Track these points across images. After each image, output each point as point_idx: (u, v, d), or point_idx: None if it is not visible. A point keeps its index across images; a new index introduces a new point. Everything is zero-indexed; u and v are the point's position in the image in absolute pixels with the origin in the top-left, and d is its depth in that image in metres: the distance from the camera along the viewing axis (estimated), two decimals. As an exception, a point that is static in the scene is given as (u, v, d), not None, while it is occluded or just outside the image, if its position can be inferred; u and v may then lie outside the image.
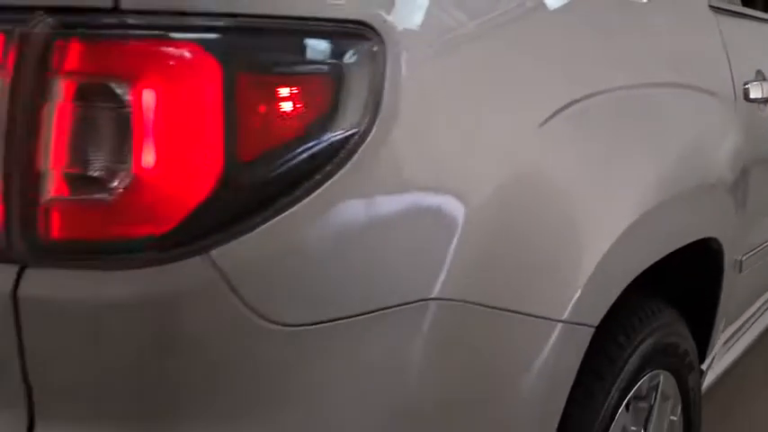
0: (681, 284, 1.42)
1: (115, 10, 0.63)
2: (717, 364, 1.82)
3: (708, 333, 1.56)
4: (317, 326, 0.73)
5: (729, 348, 1.89)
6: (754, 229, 1.73)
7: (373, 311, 0.77)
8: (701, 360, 1.56)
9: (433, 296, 0.81)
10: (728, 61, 1.55)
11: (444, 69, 0.84)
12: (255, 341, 0.70)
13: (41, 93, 0.63)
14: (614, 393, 1.13)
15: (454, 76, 0.85)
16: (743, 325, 1.97)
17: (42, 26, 0.63)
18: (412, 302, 0.80)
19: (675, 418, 1.43)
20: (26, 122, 0.63)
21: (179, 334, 0.67)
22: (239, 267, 0.67)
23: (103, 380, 0.68)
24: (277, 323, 0.70)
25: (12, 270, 0.66)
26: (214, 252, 0.66)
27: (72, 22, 0.63)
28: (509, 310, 0.89)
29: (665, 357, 1.29)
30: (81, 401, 0.69)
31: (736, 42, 1.61)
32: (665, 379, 1.34)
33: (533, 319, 0.91)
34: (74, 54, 0.63)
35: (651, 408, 1.33)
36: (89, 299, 0.66)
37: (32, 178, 0.64)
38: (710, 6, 1.54)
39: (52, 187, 0.64)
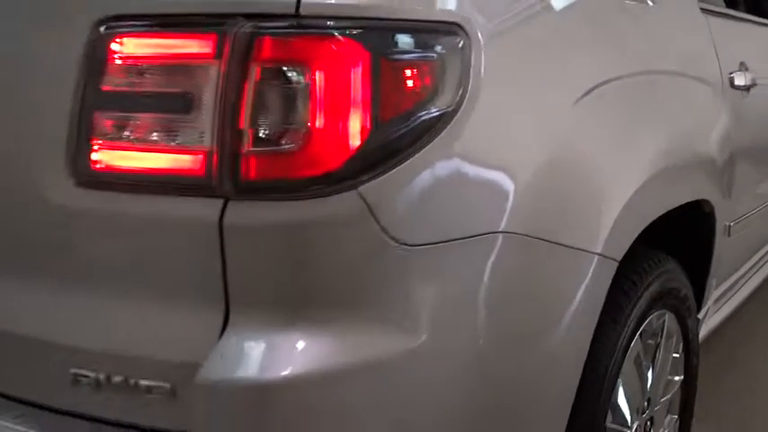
0: (681, 244, 1.69)
1: (296, 15, 0.90)
2: (710, 319, 2.10)
3: (702, 286, 1.84)
4: (426, 246, 1.00)
5: (720, 307, 2.17)
6: (741, 199, 2.01)
7: (463, 238, 1.03)
8: (698, 309, 1.84)
9: (500, 230, 1.08)
10: (716, 54, 1.83)
11: (506, 61, 1.10)
12: (384, 255, 0.96)
13: (245, 75, 0.89)
14: (631, 323, 1.39)
15: (512, 67, 1.12)
16: (731, 287, 2.25)
17: (245, 28, 0.89)
18: (487, 233, 1.07)
19: (678, 356, 1.70)
20: (235, 96, 0.89)
21: (333, 246, 0.94)
22: (378, 200, 0.94)
23: (279, 279, 0.94)
24: (400, 242, 0.97)
25: (218, 203, 0.92)
26: (362, 188, 0.93)
27: (265, 25, 0.90)
28: (557, 243, 1.16)
29: (668, 299, 1.55)
30: (261, 297, 0.94)
31: (721, 38, 1.90)
32: (669, 319, 1.61)
33: (575, 250, 1.18)
34: (267, 47, 0.90)
35: (658, 345, 1.60)
36: (274, 222, 0.92)
37: (237, 136, 0.90)
38: (701, 9, 1.83)
39: (250, 142, 0.90)
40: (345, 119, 0.91)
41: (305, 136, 0.90)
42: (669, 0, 1.67)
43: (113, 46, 0.94)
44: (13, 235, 1.04)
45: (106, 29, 0.95)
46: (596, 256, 1.22)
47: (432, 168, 0.99)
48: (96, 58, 0.95)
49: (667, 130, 1.53)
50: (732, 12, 2.14)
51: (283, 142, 0.91)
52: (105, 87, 0.95)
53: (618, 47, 1.42)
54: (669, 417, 1.71)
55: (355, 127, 0.92)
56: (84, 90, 0.96)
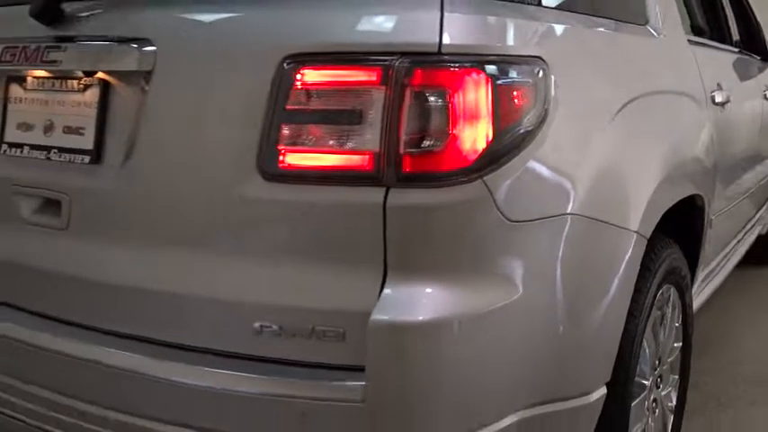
0: (680, 234, 2.06)
1: (438, 53, 1.23)
2: (697, 298, 2.49)
3: (694, 268, 2.23)
4: (522, 222, 1.34)
5: (704, 288, 2.57)
6: (720, 197, 2.42)
7: (544, 218, 1.38)
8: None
9: (568, 212, 1.43)
10: (701, 77, 2.24)
11: (565, 85, 1.45)
12: (497, 228, 1.30)
13: (403, 97, 1.23)
14: (650, 292, 1.75)
15: (570, 90, 1.47)
16: (710, 272, 2.65)
17: (403, 63, 1.23)
18: (560, 215, 1.41)
19: (678, 325, 2.07)
20: (395, 112, 1.22)
21: (464, 220, 1.27)
22: (496, 187, 1.28)
23: (425, 246, 1.26)
24: (508, 219, 1.31)
25: (381, 191, 1.24)
26: (486, 178, 1.27)
27: (417, 60, 1.23)
28: (608, 222, 1.52)
29: (673, 276, 1.92)
30: (411, 260, 1.27)
31: (703, 64, 2.30)
32: (673, 293, 1.98)
33: (621, 228, 1.55)
34: (418, 76, 1.23)
35: (664, 315, 1.97)
36: (423, 204, 1.25)
37: (397, 141, 1.23)
38: (689, 41, 2.24)
39: (407, 145, 1.24)
40: (475, 128, 1.25)
41: (446, 141, 1.24)
42: (668, 34, 2.06)
43: (296, 76, 1.27)
44: (214, 221, 1.35)
45: (289, 64, 1.27)
46: (635, 234, 1.58)
47: (526, 166, 1.34)
48: (282, 85, 1.27)
49: (671, 138, 1.91)
50: (708, 42, 2.56)
51: (430, 145, 1.24)
52: (289, 107, 1.28)
53: (635, 72, 1.80)
54: (672, 376, 2.08)
55: (482, 134, 1.26)
56: (273, 109, 1.28)
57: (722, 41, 2.87)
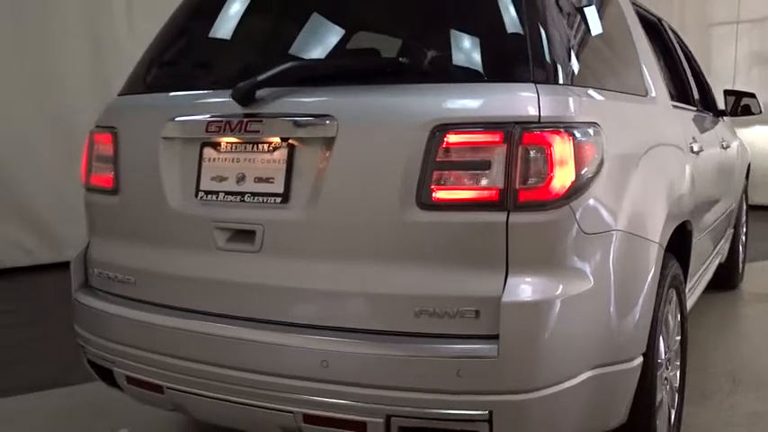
0: (676, 252, 2.72)
1: (539, 122, 1.87)
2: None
3: (685, 278, 2.89)
4: (591, 234, 1.97)
5: (689, 297, 3.24)
6: (697, 225, 3.10)
7: (603, 232, 2.01)
8: (683, 294, 2.88)
9: (615, 228, 2.07)
10: (683, 132, 2.94)
11: (611, 142, 2.09)
12: (577, 238, 1.93)
13: (516, 151, 1.85)
14: (664, 292, 2.39)
15: (614, 145, 2.11)
16: (692, 286, 3.32)
17: (516, 128, 1.86)
18: (610, 230, 2.05)
19: (678, 320, 2.72)
20: (513, 161, 1.85)
21: (557, 232, 1.89)
22: (576, 210, 1.91)
23: (533, 250, 1.88)
24: (584, 232, 1.94)
25: (504, 214, 1.86)
26: (571, 204, 1.90)
27: (525, 126, 1.87)
28: (640, 236, 2.16)
29: (675, 281, 2.58)
30: (525, 261, 1.88)
31: (682, 122, 3.02)
32: (674, 294, 2.63)
33: (649, 241, 2.20)
34: (527, 137, 1.86)
35: (669, 311, 2.61)
36: (532, 222, 1.87)
37: (514, 180, 1.85)
38: (672, 105, 2.95)
39: (520, 183, 1.86)
40: (564, 171, 1.88)
41: (546, 180, 1.87)
42: (660, 101, 2.77)
43: (444, 138, 1.89)
44: (384, 239, 1.94)
45: (438, 130, 1.89)
46: (657, 245, 2.23)
47: (593, 196, 1.97)
48: (433, 144, 1.89)
49: (671, 178, 2.59)
50: (681, 104, 3.30)
51: (536, 183, 1.87)
52: (438, 159, 1.89)
53: (647, 130, 2.49)
54: (675, 362, 2.72)
55: (568, 175, 1.89)
56: (426, 161, 1.89)
57: (687, 102, 3.61)
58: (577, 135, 1.93)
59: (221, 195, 2.15)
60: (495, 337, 1.85)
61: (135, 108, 2.43)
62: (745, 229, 5.37)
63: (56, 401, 3.45)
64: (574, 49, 2.16)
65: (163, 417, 3.20)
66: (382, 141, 1.96)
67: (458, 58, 2.03)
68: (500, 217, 1.87)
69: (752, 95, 4.66)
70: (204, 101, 2.22)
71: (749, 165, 5.47)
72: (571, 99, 1.98)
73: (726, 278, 4.90)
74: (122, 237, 2.40)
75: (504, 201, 1.86)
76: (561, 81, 2.01)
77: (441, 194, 1.90)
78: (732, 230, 4.73)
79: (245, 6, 2.45)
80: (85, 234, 2.59)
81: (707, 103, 4.31)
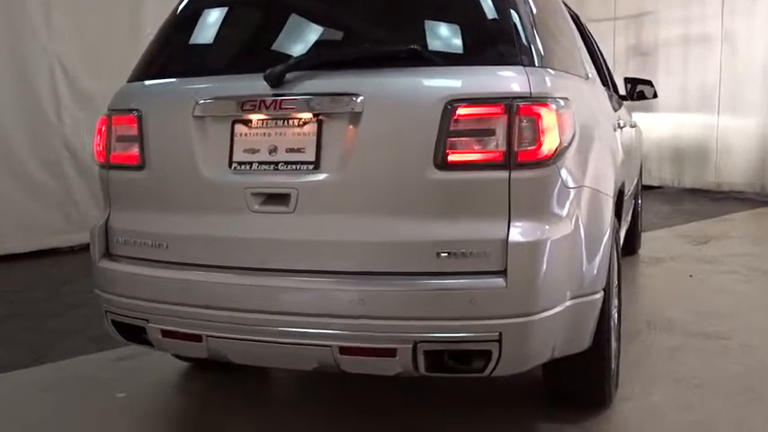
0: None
1: (530, 96, 2.31)
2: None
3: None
4: (571, 188, 2.43)
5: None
6: (624, 187, 3.66)
7: (578, 186, 2.48)
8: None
9: (584, 185, 2.54)
10: (611, 109, 3.48)
11: (578, 113, 2.56)
12: (561, 191, 2.38)
13: (513, 121, 2.28)
14: (613, 234, 2.90)
15: (580, 116, 2.58)
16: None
17: (512, 102, 2.29)
18: (581, 186, 2.52)
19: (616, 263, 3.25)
20: (511, 129, 2.28)
21: (545, 186, 2.34)
22: (561, 169, 2.37)
23: (529, 201, 2.32)
24: (566, 186, 2.40)
25: (506, 172, 2.29)
26: (557, 164, 2.35)
27: (518, 99, 2.30)
28: (601, 191, 2.66)
29: (616, 233, 3.10)
30: (524, 209, 2.30)
31: (609, 101, 3.56)
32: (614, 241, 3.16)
33: (607, 195, 2.70)
34: (521, 109, 2.30)
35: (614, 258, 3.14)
36: (528, 177, 2.30)
37: (513, 144, 2.28)
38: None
39: (518, 146, 2.29)
40: (552, 137, 2.33)
41: (537, 143, 2.31)
42: (596, 81, 3.29)
43: (455, 111, 2.29)
44: (408, 195, 2.32)
45: (449, 103, 2.30)
46: (612, 199, 2.73)
47: (570, 159, 2.43)
48: (446, 116, 2.30)
49: (612, 146, 3.12)
50: (606, 88, 3.86)
51: (530, 146, 2.30)
52: (451, 128, 2.30)
53: (596, 105, 3.00)
54: (614, 301, 3.24)
55: (555, 140, 2.34)
56: (441, 130, 2.29)
57: (604, 86, 4.18)
58: (558, 107, 2.38)
59: (255, 165, 2.47)
60: (503, 272, 2.28)
61: (161, 92, 2.70)
62: (641, 201, 6.09)
63: (45, 376, 3.62)
64: (543, 39, 2.62)
65: (150, 382, 3.46)
66: (403, 115, 2.34)
67: (464, 47, 2.45)
68: (503, 174, 2.29)
69: (648, 82, 5.34)
70: (232, 83, 2.53)
71: (642, 146, 6.20)
72: (548, 78, 2.43)
73: (629, 244, 5.57)
74: (151, 207, 2.67)
75: (506, 161, 2.29)
76: (539, 64, 2.46)
77: (454, 157, 2.31)
78: (634, 201, 5.40)
79: None
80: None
81: (614, 87, 4.93)
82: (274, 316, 2.40)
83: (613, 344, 3.08)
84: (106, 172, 2.81)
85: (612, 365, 3.03)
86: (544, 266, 2.32)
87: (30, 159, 6.37)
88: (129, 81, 2.85)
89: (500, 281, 2.27)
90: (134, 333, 2.71)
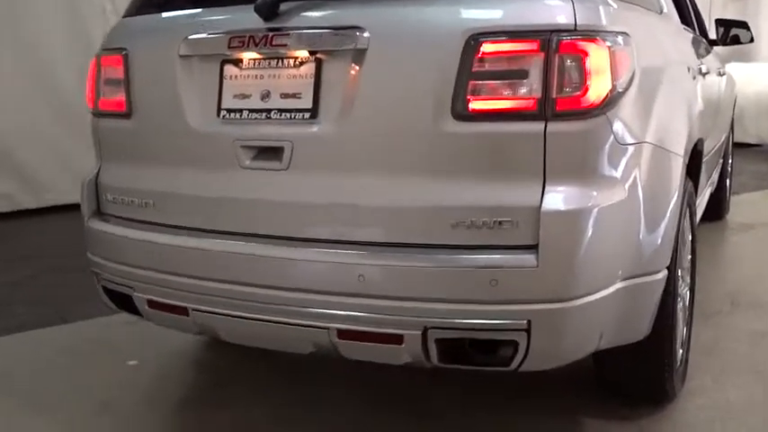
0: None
1: (575, 30, 1.84)
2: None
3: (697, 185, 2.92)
4: (626, 145, 1.96)
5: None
6: (704, 145, 3.13)
7: (635, 143, 2.00)
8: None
9: (645, 141, 2.06)
10: (691, 51, 2.94)
11: (640, 52, 2.07)
12: (611, 150, 1.92)
13: (553, 59, 1.82)
14: (684, 203, 2.40)
15: (643, 55, 2.09)
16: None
17: (553, 36, 1.83)
18: (640, 142, 2.04)
19: (690, 239, 2.75)
20: (550, 69, 1.82)
21: (594, 141, 1.88)
22: (613, 119, 1.90)
23: (572, 160, 1.86)
24: (619, 142, 1.93)
25: (542, 123, 1.84)
26: (608, 113, 1.88)
27: (562, 34, 1.84)
28: (668, 150, 2.17)
29: (690, 198, 2.59)
30: (563, 170, 1.86)
31: (690, 42, 3.01)
32: (687, 212, 2.66)
33: (675, 154, 2.21)
34: (563, 45, 1.83)
35: (685, 230, 2.64)
36: (570, 131, 1.85)
37: (551, 89, 1.83)
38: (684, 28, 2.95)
39: (557, 92, 1.84)
40: (602, 81, 1.87)
41: (583, 88, 1.85)
42: (672, 18, 2.75)
43: (480, 47, 1.85)
44: (419, 151, 1.91)
45: (472, 38, 1.86)
46: (681, 158, 2.24)
47: (626, 108, 1.96)
48: (468, 54, 1.86)
49: (687, 95, 2.61)
50: (687, 27, 3.29)
51: (573, 92, 1.85)
52: (474, 69, 1.86)
53: (669, 44, 2.48)
54: (686, 280, 2.75)
55: (606, 85, 1.87)
56: (461, 71, 1.86)
57: (687, 26, 3.60)
58: (612, 44, 1.91)
59: (245, 113, 2.10)
60: (533, 247, 1.85)
61: (147, 28, 2.35)
62: (730, 161, 5.45)
63: (58, 338, 3.42)
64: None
65: (165, 351, 3.20)
66: (416, 53, 1.91)
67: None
68: (538, 126, 1.85)
69: (743, 25, 4.67)
70: (222, 17, 2.15)
71: (735, 98, 5.52)
72: (602, 8, 1.95)
73: (715, 209, 4.97)
74: (138, 160, 2.34)
75: (542, 110, 1.84)
76: (591, -9, 1.98)
77: (477, 105, 1.87)
78: (722, 161, 4.79)
79: None
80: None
81: (701, 30, 4.31)
82: (263, 290, 2.04)
83: (682, 329, 2.61)
84: (97, 120, 2.50)
85: (679, 354, 2.56)
86: (587, 240, 1.87)
87: (85, 110, 6.19)
88: (124, 16, 2.51)
89: (530, 258, 1.84)
90: (125, 301, 2.41)
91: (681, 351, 2.60)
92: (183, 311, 2.20)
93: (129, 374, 3.00)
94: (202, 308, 2.15)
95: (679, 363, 2.56)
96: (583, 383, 2.66)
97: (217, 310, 2.13)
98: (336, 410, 2.62)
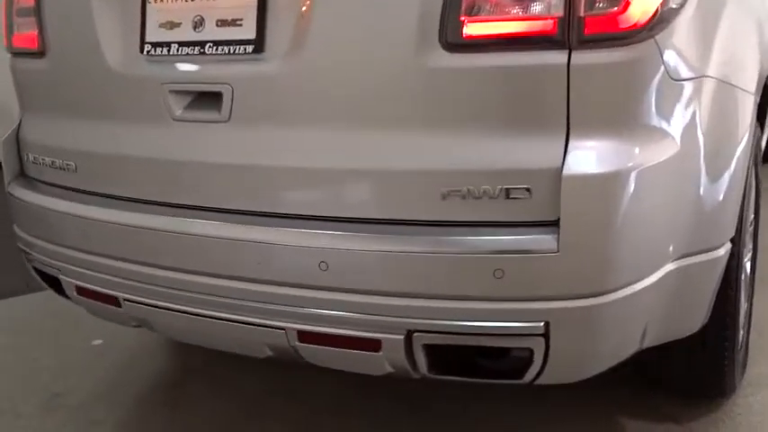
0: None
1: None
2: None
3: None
4: (681, 81, 1.43)
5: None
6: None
7: (693, 78, 1.47)
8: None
9: (706, 75, 1.53)
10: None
11: None
12: (661, 88, 1.39)
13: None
14: (751, 156, 1.87)
15: None
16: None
17: None
18: (700, 77, 1.51)
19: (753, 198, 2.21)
20: None
21: (639, 76, 1.35)
22: (663, 46, 1.37)
23: (606, 104, 1.34)
24: (672, 78, 1.40)
25: (565, 53, 1.32)
26: (657, 37, 1.35)
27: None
28: (735, 86, 1.62)
29: (757, 149, 2.05)
30: (593, 119, 1.34)
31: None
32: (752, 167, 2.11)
33: (745, 92, 1.66)
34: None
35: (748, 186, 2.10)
36: (603, 62, 1.32)
37: (579, 6, 1.30)
38: None
39: (587, 9, 1.31)
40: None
41: (621, 4, 1.32)
42: None
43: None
44: (395, 96, 1.41)
45: None
46: (753, 96, 1.69)
47: (683, 28, 1.43)
48: (462, -44, 1.33)
49: (759, 18, 2.03)
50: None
51: (607, 8, 1.32)
52: (470, -22, 1.33)
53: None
54: (749, 245, 2.22)
55: (654, 8, 1.34)
56: (453, -20, 1.33)
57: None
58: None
59: (174, 47, 1.60)
60: (552, 224, 1.35)
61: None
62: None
63: (18, 311, 3.02)
64: None
65: (135, 329, 2.78)
66: None
67: None
68: (559, 57, 1.32)
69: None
70: None
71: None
72: None
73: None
74: (56, 111, 1.87)
75: (565, 34, 1.32)
76: None
77: (474, 29, 1.35)
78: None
79: None
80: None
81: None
82: (204, 279, 1.58)
83: (743, 307, 2.10)
84: (14, 61, 2.02)
85: (739, 339, 2.06)
86: (626, 213, 1.36)
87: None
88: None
89: (548, 239, 1.34)
90: (56, 285, 1.98)
91: (741, 332, 2.10)
92: (115, 301, 1.76)
93: (91, 358, 2.60)
94: (132, 297, 1.70)
95: (739, 346, 2.07)
96: (619, 374, 2.18)
97: (151, 301, 1.68)
98: (316, 401, 2.19)
